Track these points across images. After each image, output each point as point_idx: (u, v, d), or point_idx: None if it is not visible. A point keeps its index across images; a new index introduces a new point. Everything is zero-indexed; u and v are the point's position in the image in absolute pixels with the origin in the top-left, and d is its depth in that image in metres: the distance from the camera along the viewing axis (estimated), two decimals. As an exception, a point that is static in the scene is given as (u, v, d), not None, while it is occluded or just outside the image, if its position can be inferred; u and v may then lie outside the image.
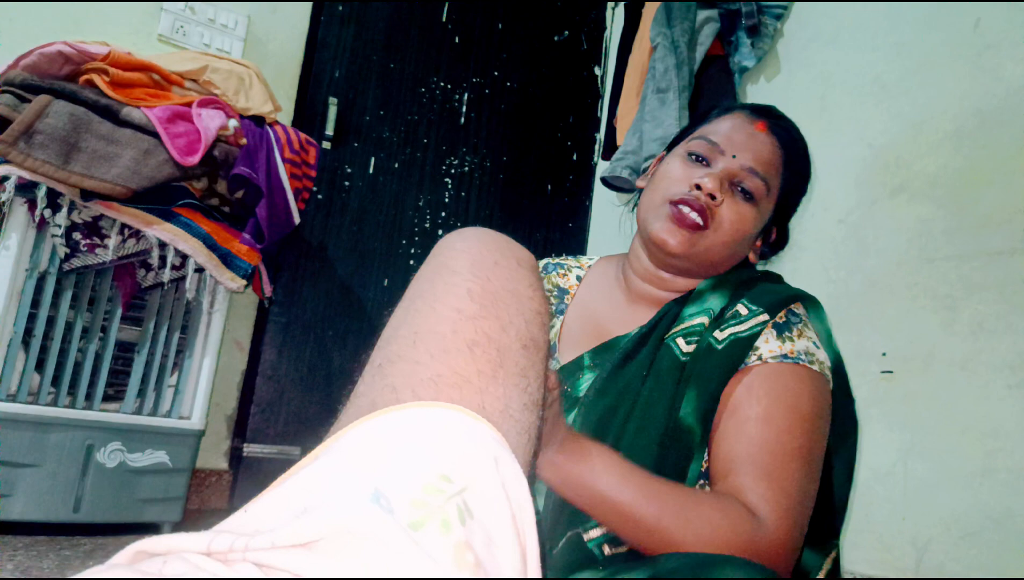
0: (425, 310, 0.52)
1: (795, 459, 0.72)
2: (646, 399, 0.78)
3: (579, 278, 1.00)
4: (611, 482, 0.66)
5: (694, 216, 0.82)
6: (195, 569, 0.33)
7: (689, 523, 0.65)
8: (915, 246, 1.66)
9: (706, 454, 0.77)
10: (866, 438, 1.64)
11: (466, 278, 0.54)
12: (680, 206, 0.82)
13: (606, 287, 0.96)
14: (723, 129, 0.87)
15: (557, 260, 1.04)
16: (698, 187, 0.82)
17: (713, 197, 0.82)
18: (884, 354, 1.65)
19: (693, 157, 0.86)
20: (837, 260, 1.82)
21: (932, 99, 1.70)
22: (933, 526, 1.49)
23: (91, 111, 1.44)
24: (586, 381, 0.84)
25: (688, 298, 0.87)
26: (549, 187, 2.72)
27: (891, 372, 1.63)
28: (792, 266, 1.87)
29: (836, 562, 0.82)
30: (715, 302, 0.84)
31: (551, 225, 2.72)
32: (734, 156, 0.84)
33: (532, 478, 0.53)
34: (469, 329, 0.50)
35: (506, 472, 0.40)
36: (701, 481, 0.77)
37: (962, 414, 1.49)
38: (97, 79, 1.47)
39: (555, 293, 0.98)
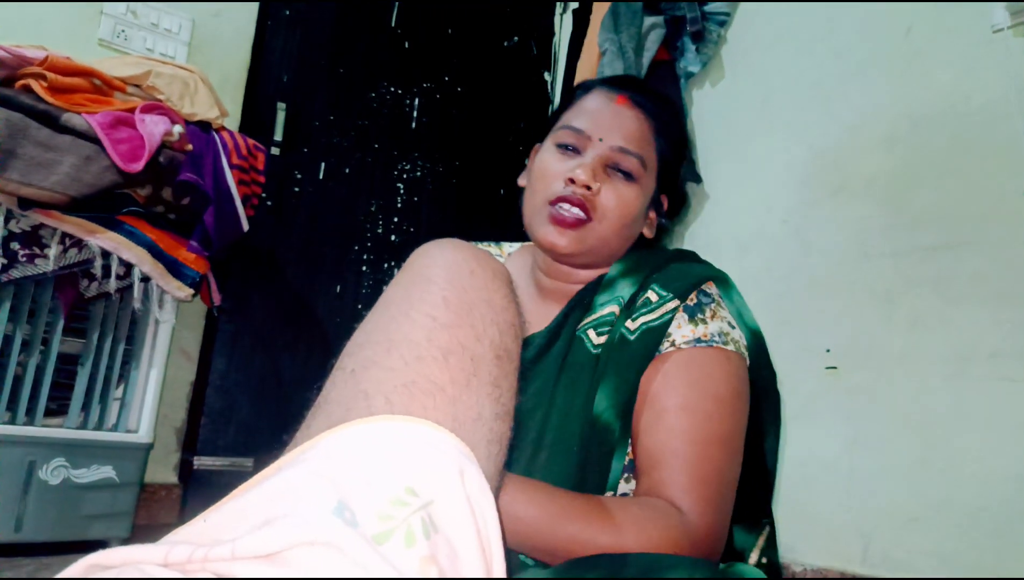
0: (400, 317, 0.52)
1: (716, 445, 0.72)
2: (562, 398, 0.77)
3: None
4: (530, 512, 0.64)
5: (575, 212, 0.81)
6: (150, 580, 0.33)
7: (620, 535, 0.64)
8: (854, 244, 1.72)
9: (628, 447, 0.76)
10: (812, 431, 1.69)
11: (442, 287, 0.54)
12: (559, 205, 0.81)
13: (521, 282, 0.92)
14: (586, 112, 0.85)
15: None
16: (572, 181, 0.80)
17: (589, 188, 0.80)
18: (828, 350, 1.71)
19: (563, 148, 0.85)
20: (780, 259, 1.87)
21: (867, 103, 1.77)
22: (877, 515, 1.55)
23: (28, 117, 1.39)
24: None
25: (599, 286, 0.85)
26: (502, 191, 2.73)
27: (835, 368, 1.69)
28: (737, 265, 1.91)
29: (771, 540, 0.82)
30: (625, 289, 0.82)
31: (504, 229, 2.73)
32: (601, 139, 0.82)
33: (499, 490, 0.53)
34: (444, 337, 0.50)
35: (472, 485, 0.40)
36: (626, 474, 0.77)
37: (902, 406, 1.55)
38: (34, 84, 1.42)
39: None
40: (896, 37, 1.73)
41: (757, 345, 0.83)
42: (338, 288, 2.31)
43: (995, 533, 1.36)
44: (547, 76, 2.90)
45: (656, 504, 0.68)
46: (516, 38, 2.83)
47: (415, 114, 2.53)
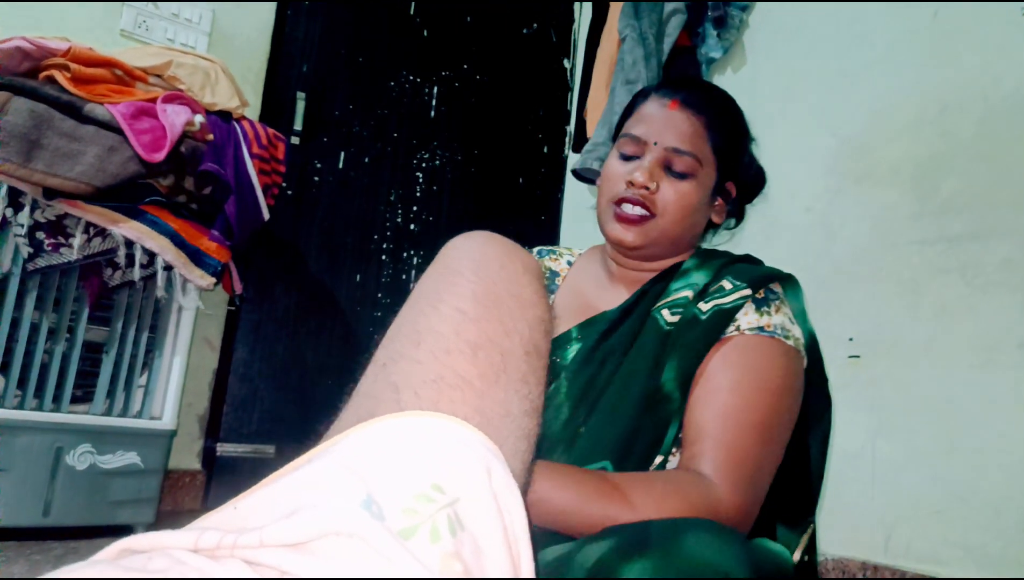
0: (428, 310, 0.52)
1: (756, 430, 0.75)
2: (629, 365, 0.82)
3: (570, 263, 1.05)
4: (553, 496, 0.67)
5: (637, 210, 0.89)
6: (180, 565, 0.33)
7: (636, 510, 0.66)
8: (879, 232, 1.69)
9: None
10: (835, 420, 1.67)
11: (470, 280, 0.54)
12: (622, 205, 0.89)
13: (593, 270, 1.01)
14: (643, 119, 0.93)
15: (550, 247, 1.10)
16: (632, 183, 0.88)
17: (647, 188, 0.88)
18: (851, 339, 1.69)
19: (624, 156, 0.92)
20: (804, 247, 1.85)
21: (894, 88, 1.74)
22: (901, 505, 1.53)
23: (52, 108, 1.40)
24: (572, 351, 0.89)
25: (673, 274, 0.92)
26: (521, 180, 2.73)
27: (858, 356, 1.67)
28: (761, 253, 1.89)
29: (812, 539, 0.85)
30: (700, 278, 0.89)
31: (523, 218, 2.73)
32: (656, 143, 0.89)
33: (527, 486, 0.53)
34: (472, 331, 0.50)
35: (499, 483, 0.40)
36: (674, 447, 0.81)
37: (927, 395, 1.53)
38: (58, 75, 1.43)
39: (547, 275, 1.02)
40: (923, 20, 1.70)
41: (813, 347, 0.88)
42: (358, 277, 2.32)
43: (1021, 524, 1.35)
44: (566, 64, 2.89)
45: (682, 477, 0.72)
46: (535, 26, 2.81)
47: (434, 103, 2.53)
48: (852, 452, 1.63)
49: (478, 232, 0.61)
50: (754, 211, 2.02)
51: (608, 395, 0.81)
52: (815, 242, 1.83)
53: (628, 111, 0.98)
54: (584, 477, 0.70)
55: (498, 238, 0.61)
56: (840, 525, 1.62)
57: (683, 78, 1.00)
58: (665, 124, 0.90)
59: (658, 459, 0.79)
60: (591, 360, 0.86)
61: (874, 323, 1.66)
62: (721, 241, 1.05)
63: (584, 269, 1.02)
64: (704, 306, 0.84)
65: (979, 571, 1.38)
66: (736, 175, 0.98)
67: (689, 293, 0.87)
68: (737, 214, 1.03)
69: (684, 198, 0.89)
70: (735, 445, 0.74)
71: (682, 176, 0.89)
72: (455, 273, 0.55)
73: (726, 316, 0.82)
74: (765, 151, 2.01)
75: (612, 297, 0.95)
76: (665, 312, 0.86)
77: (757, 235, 1.98)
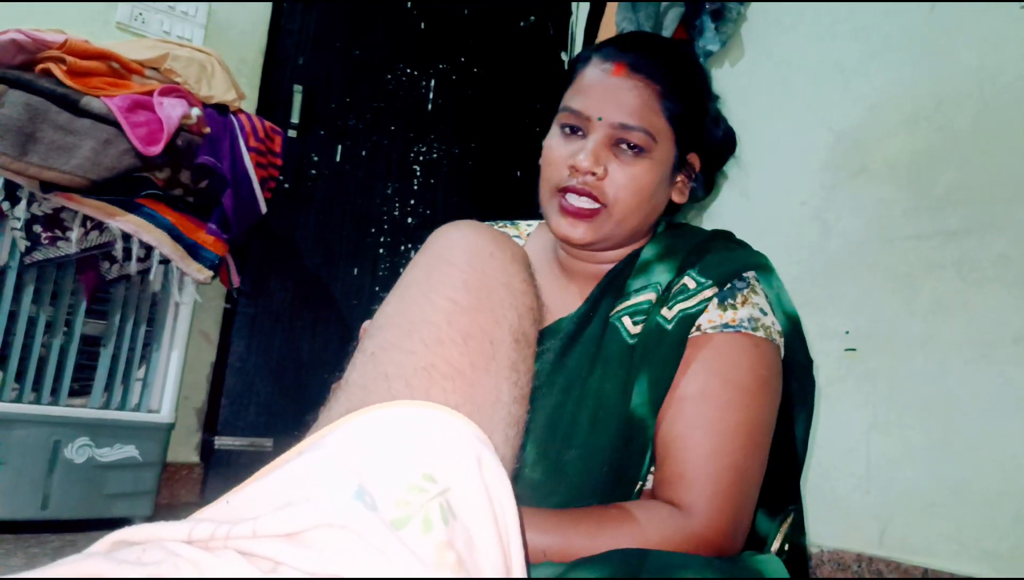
0: (420, 299, 0.52)
1: (735, 436, 0.69)
2: (596, 392, 0.74)
3: None
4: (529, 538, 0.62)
5: (583, 202, 0.76)
6: (174, 556, 0.33)
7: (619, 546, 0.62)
8: (875, 227, 1.70)
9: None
10: (830, 415, 1.68)
11: (462, 269, 0.54)
12: (567, 196, 0.77)
13: (544, 262, 0.89)
14: (584, 89, 0.80)
15: (498, 226, 0.97)
16: (576, 169, 0.76)
17: (594, 173, 0.75)
18: (847, 333, 1.69)
19: (566, 130, 0.80)
20: (800, 242, 1.85)
21: (890, 83, 1.74)
22: (896, 499, 1.54)
23: (48, 101, 1.40)
24: None
25: (632, 267, 0.81)
26: (518, 173, 2.72)
27: (854, 350, 1.67)
28: (755, 248, 1.89)
29: (798, 527, 0.80)
30: (662, 275, 0.78)
31: (520, 211, 2.72)
32: (600, 118, 0.76)
33: (517, 473, 0.54)
34: (464, 321, 0.50)
35: (489, 473, 0.40)
36: (653, 468, 0.75)
37: (922, 390, 1.54)
38: (54, 68, 1.43)
39: None
40: (920, 14, 1.70)
41: (793, 331, 0.80)
42: (355, 270, 2.32)
43: (1015, 519, 1.35)
44: (564, 56, 2.88)
45: (654, 509, 0.67)
46: (532, 18, 2.80)
47: (431, 96, 2.52)
48: (847, 446, 1.64)
49: (466, 221, 0.61)
50: (749, 205, 2.03)
51: (580, 428, 0.72)
52: (810, 236, 1.83)
53: (568, 78, 0.85)
54: (537, 519, 0.65)
55: (486, 228, 0.61)
56: (835, 518, 1.62)
57: (628, 35, 0.84)
58: (609, 94, 0.77)
59: (637, 486, 0.73)
60: (553, 384, 0.75)
61: (869, 318, 1.67)
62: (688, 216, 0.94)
63: (534, 260, 0.88)
64: (668, 313, 0.74)
65: (973, 565, 1.39)
66: (699, 144, 0.84)
67: (651, 296, 0.77)
68: (705, 186, 0.88)
69: (637, 182, 0.76)
70: (710, 457, 0.68)
71: (635, 154, 0.76)
72: (447, 262, 0.55)
73: (693, 321, 0.74)
74: (761, 145, 2.02)
75: (565, 298, 0.83)
76: (627, 320, 0.76)
77: (752, 229, 1.98)
